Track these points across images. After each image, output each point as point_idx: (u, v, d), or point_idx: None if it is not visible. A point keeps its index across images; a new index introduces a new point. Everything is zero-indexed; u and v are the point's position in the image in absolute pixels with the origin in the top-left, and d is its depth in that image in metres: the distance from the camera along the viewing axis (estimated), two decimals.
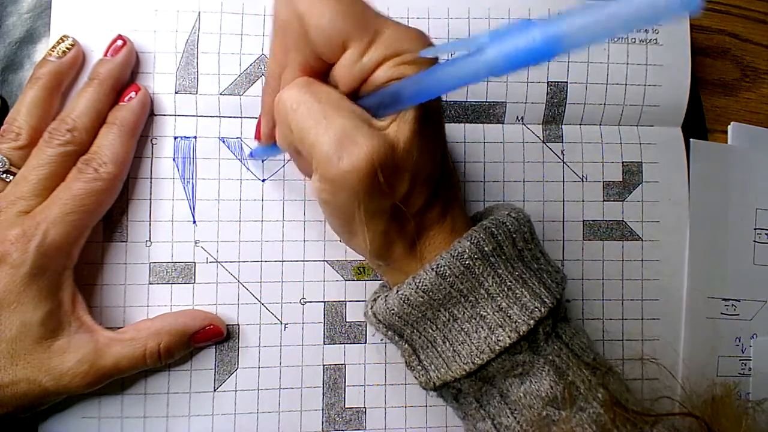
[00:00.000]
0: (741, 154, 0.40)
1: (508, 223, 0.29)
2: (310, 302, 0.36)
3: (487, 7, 0.38)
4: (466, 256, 0.27)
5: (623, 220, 0.39)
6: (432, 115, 0.27)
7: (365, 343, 0.36)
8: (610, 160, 0.39)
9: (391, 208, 0.26)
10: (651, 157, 0.39)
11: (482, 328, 0.28)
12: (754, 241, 0.40)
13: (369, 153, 0.24)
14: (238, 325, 0.35)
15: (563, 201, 0.38)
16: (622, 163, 0.39)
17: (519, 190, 0.38)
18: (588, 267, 0.38)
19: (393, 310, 0.29)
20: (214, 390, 0.35)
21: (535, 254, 0.30)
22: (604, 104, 0.38)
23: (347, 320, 0.36)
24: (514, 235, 0.29)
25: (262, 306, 0.36)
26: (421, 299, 0.28)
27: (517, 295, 0.28)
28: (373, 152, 0.24)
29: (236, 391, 0.35)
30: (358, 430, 0.36)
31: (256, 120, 0.36)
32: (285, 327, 0.36)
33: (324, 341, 0.36)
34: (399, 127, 0.25)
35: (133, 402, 0.34)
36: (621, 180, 0.39)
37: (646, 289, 0.38)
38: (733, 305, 0.39)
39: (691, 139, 0.39)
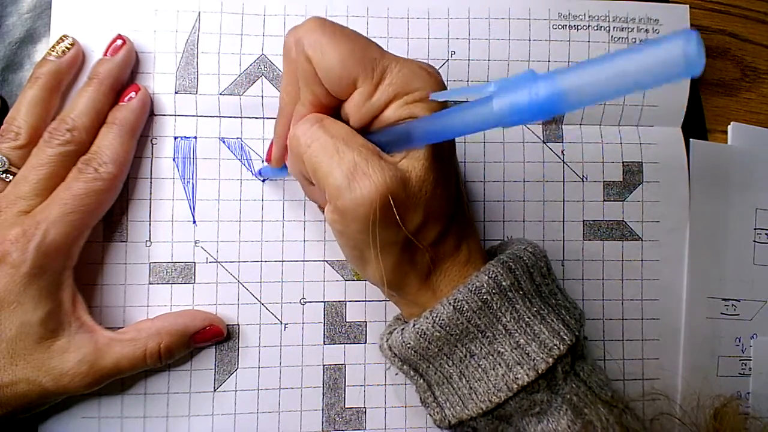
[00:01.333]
0: (741, 154, 0.40)
1: (525, 258, 0.28)
2: (310, 302, 0.36)
3: (488, 7, 0.38)
4: (483, 290, 0.27)
5: (623, 220, 0.39)
6: (444, 149, 0.27)
7: (365, 343, 0.36)
8: (611, 160, 0.39)
9: (404, 240, 0.26)
10: (651, 157, 0.39)
11: (500, 365, 0.27)
12: (754, 241, 0.40)
13: (379, 185, 0.24)
14: (238, 325, 0.35)
15: (563, 201, 0.38)
16: (623, 163, 0.39)
17: (519, 190, 0.38)
18: (588, 267, 0.38)
19: (409, 344, 0.28)
20: (214, 390, 0.35)
21: (552, 289, 0.30)
22: (604, 104, 0.38)
23: (347, 320, 0.36)
24: (531, 270, 0.28)
25: (262, 306, 0.36)
26: (438, 334, 0.28)
27: (536, 332, 0.27)
28: (383, 184, 0.24)
29: (236, 391, 0.35)
30: (358, 430, 0.36)
31: (256, 118, 0.36)
32: (285, 327, 0.36)
33: (324, 341, 0.36)
34: (411, 161, 0.26)
35: (133, 402, 0.34)
36: (621, 180, 0.39)
37: (646, 289, 0.38)
38: (733, 305, 0.39)
39: (691, 139, 0.39)
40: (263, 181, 0.36)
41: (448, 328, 0.27)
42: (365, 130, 0.27)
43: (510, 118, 0.20)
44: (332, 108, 0.27)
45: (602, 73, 0.17)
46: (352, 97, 0.26)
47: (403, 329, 0.29)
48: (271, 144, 0.32)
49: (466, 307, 0.27)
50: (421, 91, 0.26)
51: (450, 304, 0.27)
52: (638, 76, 0.17)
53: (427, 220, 0.26)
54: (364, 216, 0.25)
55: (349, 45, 0.25)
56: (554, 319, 0.28)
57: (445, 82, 0.37)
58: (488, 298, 0.27)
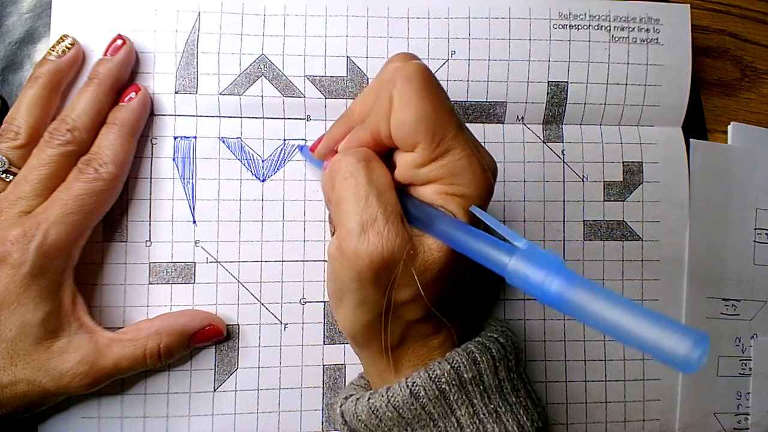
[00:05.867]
0: (741, 154, 0.40)
1: (494, 350, 0.28)
2: (310, 302, 0.36)
3: (488, 7, 0.38)
4: (443, 380, 0.26)
5: (624, 220, 0.39)
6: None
7: None
8: (611, 160, 0.39)
9: (384, 308, 0.26)
10: (651, 157, 0.39)
11: None
12: (754, 241, 0.40)
13: (386, 248, 0.24)
14: (238, 325, 0.35)
15: (564, 201, 0.38)
16: (623, 163, 0.39)
17: (519, 190, 0.38)
18: (588, 267, 0.38)
19: (360, 417, 0.28)
20: (214, 390, 0.35)
21: (515, 385, 0.29)
22: (605, 104, 0.38)
23: None
24: (497, 364, 0.28)
25: (262, 306, 0.36)
26: (390, 414, 0.27)
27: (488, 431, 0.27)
28: (390, 249, 0.24)
29: (236, 391, 0.35)
30: None
31: (256, 118, 0.36)
32: (285, 327, 0.36)
33: (324, 341, 0.36)
34: (429, 243, 0.26)
35: (133, 402, 0.34)
36: (621, 180, 0.39)
37: (646, 289, 0.38)
38: (733, 305, 0.39)
39: (691, 139, 0.39)
40: (263, 180, 0.36)
41: (401, 410, 0.27)
42: (404, 188, 0.27)
43: (514, 280, 0.22)
44: (388, 148, 0.27)
45: (610, 313, 0.18)
46: (406, 155, 0.26)
47: (358, 399, 0.28)
48: (322, 137, 0.31)
49: (423, 393, 0.26)
50: (464, 188, 0.26)
51: (407, 387, 0.26)
52: (636, 340, 0.18)
53: (414, 301, 0.26)
54: (360, 268, 0.25)
55: (430, 110, 0.25)
56: (509, 420, 0.27)
57: (447, 81, 0.37)
58: (446, 388, 0.26)
